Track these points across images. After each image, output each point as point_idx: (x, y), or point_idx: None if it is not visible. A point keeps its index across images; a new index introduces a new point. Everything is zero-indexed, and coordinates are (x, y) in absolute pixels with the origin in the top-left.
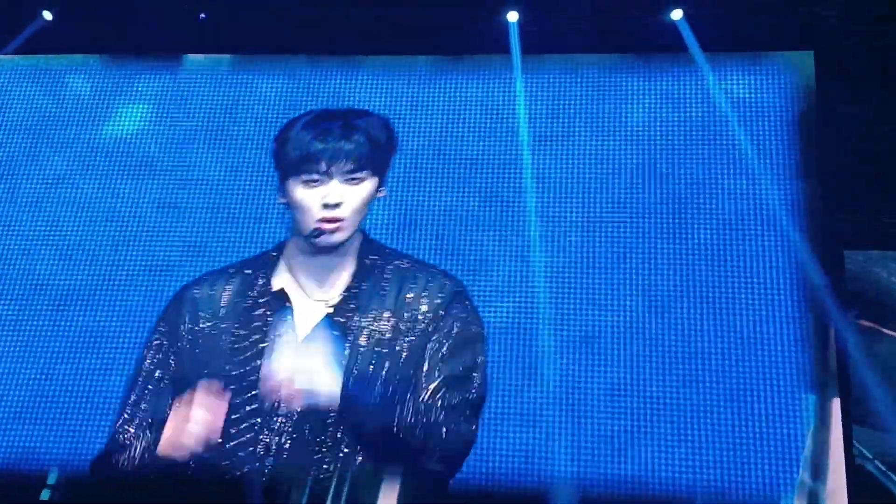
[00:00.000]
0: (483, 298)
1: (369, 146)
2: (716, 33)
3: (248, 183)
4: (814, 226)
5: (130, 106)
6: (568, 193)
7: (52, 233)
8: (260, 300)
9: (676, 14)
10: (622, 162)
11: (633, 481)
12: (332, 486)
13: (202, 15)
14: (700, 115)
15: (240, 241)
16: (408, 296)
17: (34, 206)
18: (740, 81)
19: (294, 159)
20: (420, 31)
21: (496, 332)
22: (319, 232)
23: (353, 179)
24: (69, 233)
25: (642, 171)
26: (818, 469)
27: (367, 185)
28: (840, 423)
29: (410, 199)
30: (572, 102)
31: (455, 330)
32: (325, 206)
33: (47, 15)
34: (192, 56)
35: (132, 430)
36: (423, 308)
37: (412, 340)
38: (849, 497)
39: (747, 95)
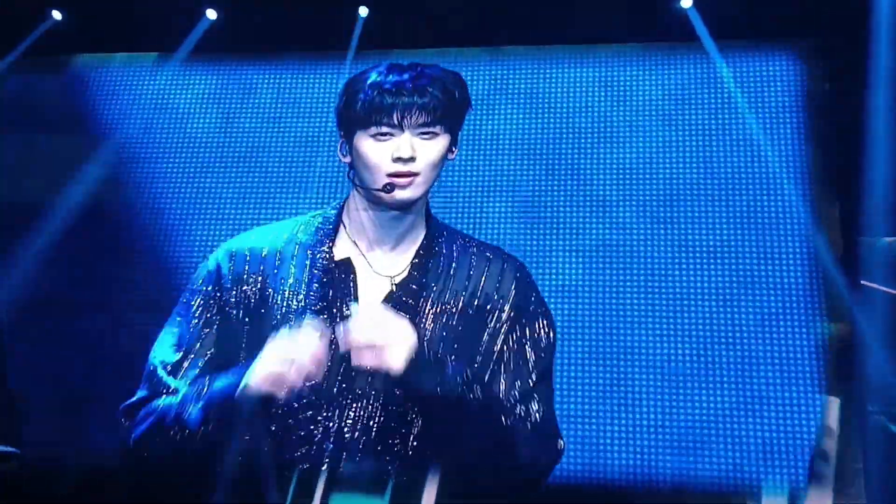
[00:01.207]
0: None
1: (444, 99)
2: (726, 21)
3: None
4: (827, 214)
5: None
6: (573, 191)
7: None
8: (321, 268)
9: (686, 2)
10: (630, 153)
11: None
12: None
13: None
14: (710, 104)
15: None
16: (475, 276)
17: None
18: (751, 70)
19: (363, 112)
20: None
21: None
22: (392, 186)
23: (426, 134)
24: None
25: (650, 163)
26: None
27: (441, 142)
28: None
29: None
30: (581, 93)
31: (541, 329)
32: (397, 159)
33: (56, 15)
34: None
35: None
36: (491, 290)
37: (481, 323)
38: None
39: (758, 84)
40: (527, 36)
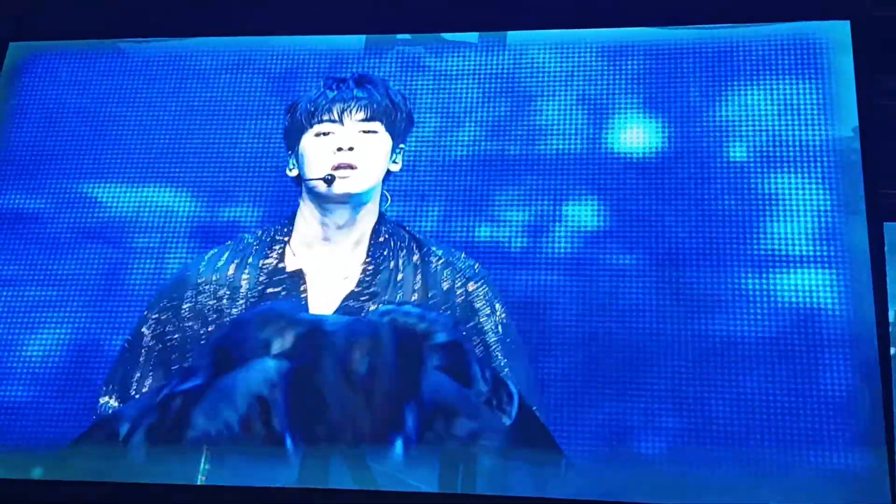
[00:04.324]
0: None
1: (381, 99)
2: (746, 3)
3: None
4: (853, 199)
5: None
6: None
7: None
8: (275, 279)
9: None
10: (642, 141)
11: None
12: None
13: None
14: (729, 89)
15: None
16: (425, 278)
17: None
18: (773, 53)
19: (306, 113)
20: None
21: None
22: (332, 177)
23: (366, 131)
24: None
25: (667, 148)
26: None
27: (381, 139)
28: None
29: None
30: (599, 78)
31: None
32: (338, 150)
33: None
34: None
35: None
36: (445, 286)
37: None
38: None
39: (780, 67)
40: None
